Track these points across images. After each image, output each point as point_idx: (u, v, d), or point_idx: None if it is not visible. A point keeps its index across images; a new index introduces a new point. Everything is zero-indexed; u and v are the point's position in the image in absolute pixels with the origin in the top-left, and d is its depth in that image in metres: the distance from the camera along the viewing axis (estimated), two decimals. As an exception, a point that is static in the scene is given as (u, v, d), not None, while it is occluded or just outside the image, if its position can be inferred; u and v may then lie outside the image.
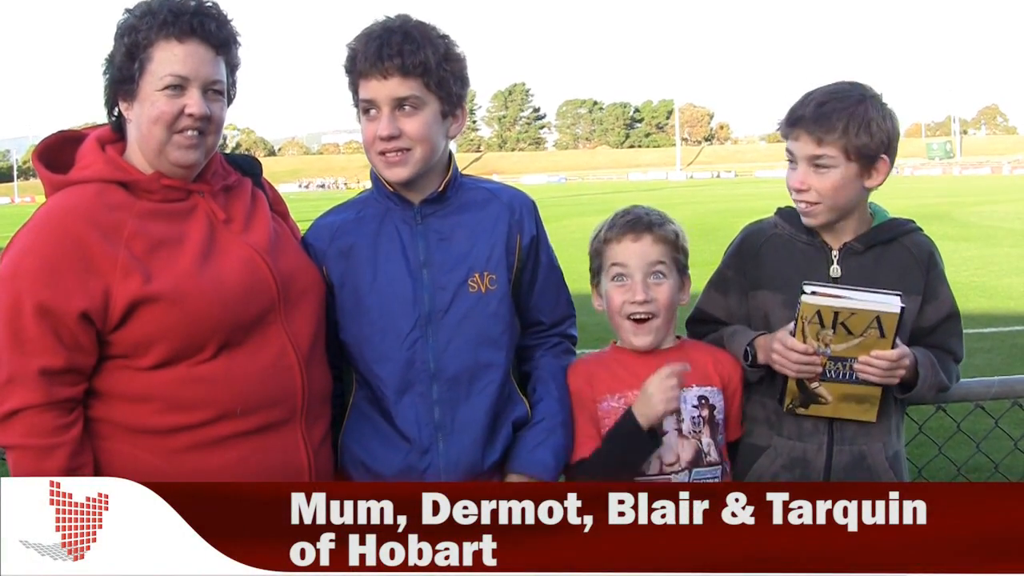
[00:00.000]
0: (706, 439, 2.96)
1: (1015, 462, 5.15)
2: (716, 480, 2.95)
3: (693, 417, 2.95)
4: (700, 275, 3.10)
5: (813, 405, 2.96)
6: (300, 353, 2.73)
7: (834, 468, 3.00)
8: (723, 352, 3.07)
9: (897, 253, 3.05)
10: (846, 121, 2.89)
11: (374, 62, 2.78)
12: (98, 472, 2.53)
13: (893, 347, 2.82)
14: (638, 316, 2.96)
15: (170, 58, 2.59)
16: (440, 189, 2.93)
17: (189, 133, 2.64)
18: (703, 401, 2.97)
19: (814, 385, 2.93)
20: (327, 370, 2.89)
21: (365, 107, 2.85)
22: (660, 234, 2.98)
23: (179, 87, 2.61)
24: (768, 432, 3.08)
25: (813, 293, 2.80)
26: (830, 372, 2.88)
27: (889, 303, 2.78)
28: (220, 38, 2.68)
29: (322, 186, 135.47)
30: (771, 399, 3.06)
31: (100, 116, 2.78)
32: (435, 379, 2.85)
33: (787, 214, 3.13)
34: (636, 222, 2.99)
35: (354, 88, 2.87)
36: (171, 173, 2.67)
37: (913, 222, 3.14)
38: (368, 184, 3.06)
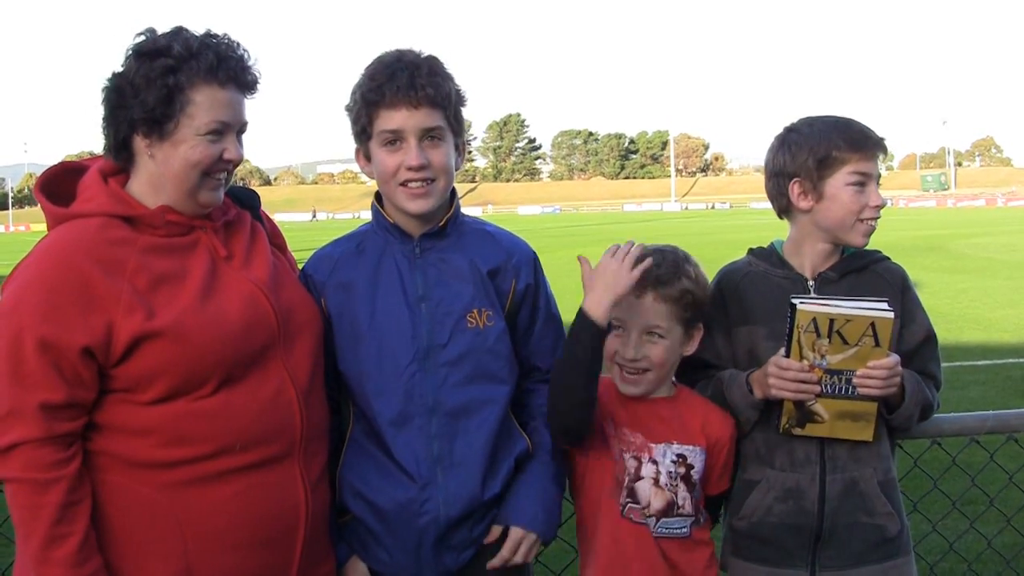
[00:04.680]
0: (682, 493, 2.96)
1: (1010, 496, 5.16)
2: (685, 530, 2.97)
3: (670, 472, 2.95)
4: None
5: (809, 424, 2.95)
6: (299, 388, 2.73)
7: (828, 497, 3.01)
8: (716, 411, 3.07)
9: (870, 280, 3.11)
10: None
11: (406, 92, 2.80)
12: (96, 505, 2.52)
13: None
14: (628, 369, 2.98)
15: (214, 104, 2.61)
16: (441, 224, 2.95)
17: (219, 176, 2.68)
18: (681, 459, 2.96)
19: (810, 403, 2.92)
20: (325, 404, 2.89)
21: (389, 138, 2.85)
22: (664, 293, 2.93)
23: (220, 132, 2.64)
24: (760, 466, 3.09)
25: (803, 303, 2.83)
26: (826, 387, 2.88)
27: (883, 309, 2.83)
28: (253, 83, 2.72)
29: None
30: (761, 432, 3.08)
31: (99, 145, 2.75)
32: (433, 413, 2.86)
33: (759, 252, 3.23)
34: (643, 276, 2.87)
35: (369, 118, 2.86)
36: (193, 212, 2.70)
37: (881, 252, 3.20)
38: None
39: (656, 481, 2.94)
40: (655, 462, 2.95)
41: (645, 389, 2.99)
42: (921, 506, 4.09)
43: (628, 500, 2.94)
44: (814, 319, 2.81)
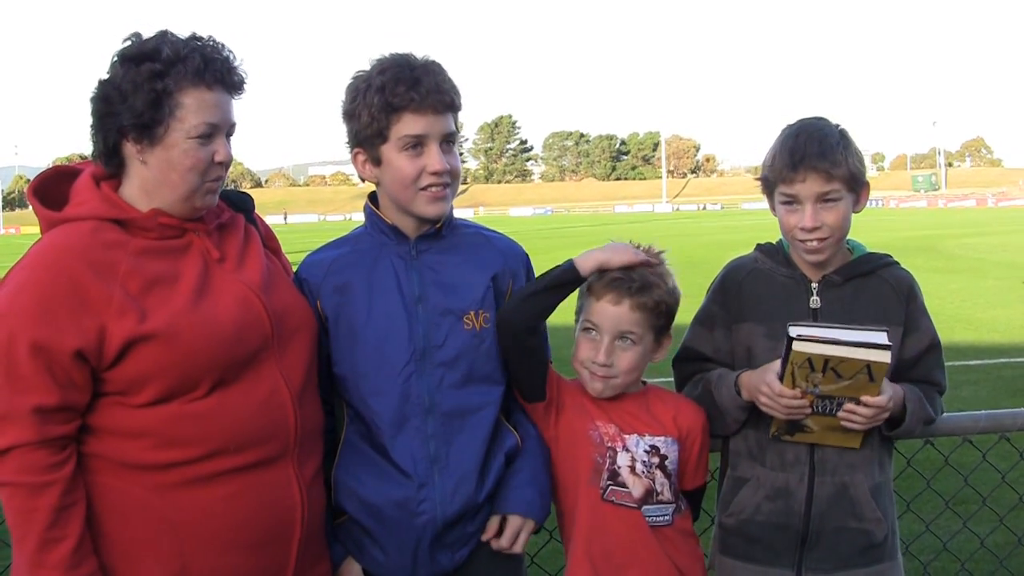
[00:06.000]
0: (660, 479, 2.98)
1: (1003, 495, 5.18)
2: (667, 518, 2.99)
3: (644, 461, 2.98)
4: (686, 307, 3.10)
5: (799, 433, 2.96)
6: (292, 390, 2.72)
7: (816, 499, 3.01)
8: (686, 402, 3.10)
9: (876, 285, 3.07)
10: (844, 152, 2.92)
11: (435, 97, 2.82)
12: (90, 507, 2.52)
13: (879, 392, 2.82)
14: (598, 373, 2.99)
15: (203, 106, 2.61)
16: (438, 226, 2.96)
17: (215, 179, 2.68)
18: (654, 449, 2.99)
19: (801, 419, 2.93)
20: (319, 406, 2.89)
21: (412, 142, 2.84)
22: (640, 301, 2.96)
23: (209, 135, 2.64)
24: (751, 464, 3.10)
25: (799, 337, 2.75)
26: (817, 408, 2.87)
27: (879, 349, 2.74)
28: (239, 84, 2.72)
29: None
30: (753, 430, 3.08)
31: (89, 148, 2.74)
32: (430, 413, 2.86)
33: (767, 249, 3.18)
34: (619, 284, 2.96)
35: (388, 122, 2.84)
36: (186, 215, 2.70)
37: (891, 256, 3.16)
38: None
39: (632, 469, 2.97)
40: (628, 451, 2.97)
41: (611, 393, 3.03)
42: (914, 506, 4.10)
43: (610, 483, 2.96)
44: (809, 359, 2.75)
